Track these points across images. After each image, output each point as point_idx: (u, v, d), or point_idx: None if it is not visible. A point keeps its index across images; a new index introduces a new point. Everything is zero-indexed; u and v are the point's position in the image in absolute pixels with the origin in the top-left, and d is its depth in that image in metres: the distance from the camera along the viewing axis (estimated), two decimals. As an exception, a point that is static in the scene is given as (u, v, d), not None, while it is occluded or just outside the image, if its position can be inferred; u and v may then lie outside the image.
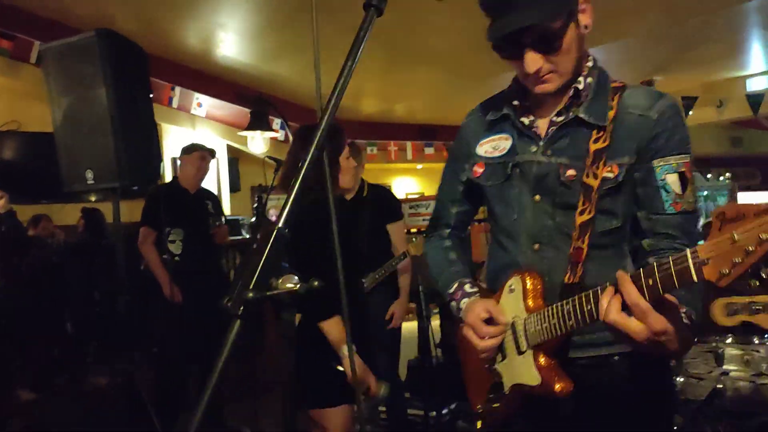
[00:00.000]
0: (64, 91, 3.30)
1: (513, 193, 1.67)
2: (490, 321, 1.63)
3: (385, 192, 4.40)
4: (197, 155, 4.94)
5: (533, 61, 1.51)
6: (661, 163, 1.53)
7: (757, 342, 3.14)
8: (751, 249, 1.07)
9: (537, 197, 1.62)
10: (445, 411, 4.53)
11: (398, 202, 4.49)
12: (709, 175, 8.37)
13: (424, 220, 6.43)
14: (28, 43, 6.39)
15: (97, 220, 6.83)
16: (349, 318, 1.60)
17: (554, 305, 1.47)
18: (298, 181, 1.01)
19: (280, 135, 8.92)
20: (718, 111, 9.11)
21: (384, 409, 4.50)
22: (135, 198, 4.94)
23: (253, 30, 7.28)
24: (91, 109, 3.21)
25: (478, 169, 1.74)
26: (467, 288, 1.77)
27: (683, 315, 1.34)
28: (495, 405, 1.70)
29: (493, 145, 1.72)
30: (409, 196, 11.99)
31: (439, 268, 1.90)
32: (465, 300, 1.74)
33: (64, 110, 3.30)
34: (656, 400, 1.66)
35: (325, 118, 1.07)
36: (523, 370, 1.57)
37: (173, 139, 8.52)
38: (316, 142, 1.04)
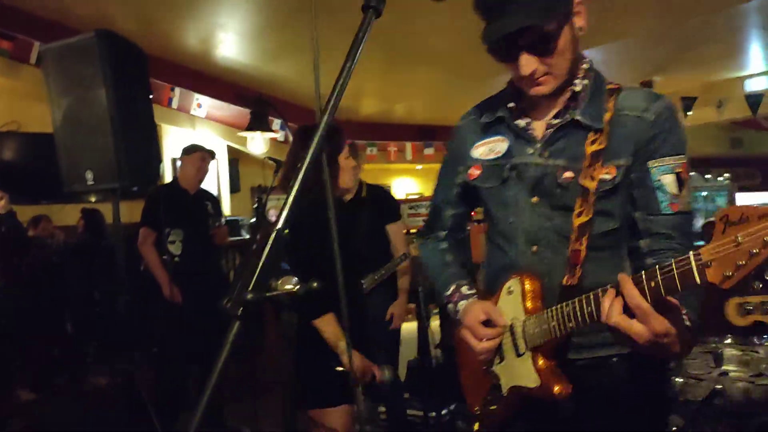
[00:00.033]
0: (63, 92, 3.30)
1: (510, 195, 1.67)
2: (488, 323, 1.63)
3: (383, 192, 4.41)
4: (197, 156, 4.94)
5: (528, 63, 1.51)
6: (658, 164, 1.53)
7: (756, 342, 3.14)
8: (755, 251, 1.08)
9: (534, 199, 1.62)
10: (444, 411, 4.53)
11: (397, 203, 4.49)
12: (708, 176, 8.39)
13: (423, 220, 6.41)
14: (27, 43, 6.38)
15: (96, 221, 6.84)
16: (349, 319, 1.60)
17: (554, 307, 1.48)
18: (297, 182, 1.01)
19: (279, 135, 8.92)
20: (718, 111, 9.10)
21: (384, 409, 4.51)
22: (135, 199, 4.94)
23: (252, 30, 7.28)
24: (91, 110, 3.21)
25: (475, 172, 1.74)
26: (464, 290, 1.78)
27: (684, 317, 1.34)
28: (492, 407, 1.70)
29: (489, 148, 1.72)
30: (409, 197, 11.98)
31: (436, 270, 1.91)
32: (463, 302, 1.75)
33: (63, 111, 3.30)
34: (654, 401, 1.67)
35: (324, 119, 1.07)
36: (521, 372, 1.57)
37: (173, 140, 8.53)
38: (315, 143, 1.04)
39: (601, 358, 1.60)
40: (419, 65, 7.80)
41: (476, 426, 1.78)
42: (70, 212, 7.17)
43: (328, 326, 2.59)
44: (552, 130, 1.61)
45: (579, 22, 1.55)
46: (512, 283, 1.62)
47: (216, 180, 9.00)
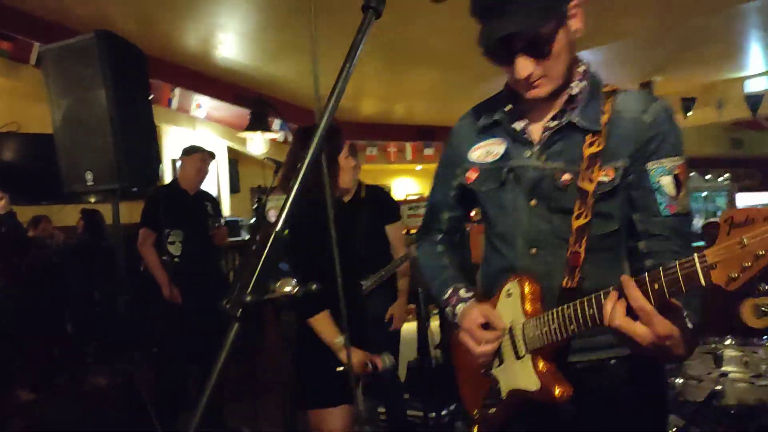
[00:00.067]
0: (63, 93, 3.30)
1: (508, 198, 1.66)
2: (486, 326, 1.62)
3: (382, 193, 4.41)
4: (197, 157, 4.94)
5: (524, 66, 1.51)
6: (656, 166, 1.53)
7: (756, 343, 3.14)
8: (761, 253, 1.08)
9: (533, 202, 1.62)
10: (444, 412, 4.53)
11: (396, 203, 4.49)
12: (708, 176, 8.39)
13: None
14: (27, 44, 6.39)
15: (96, 222, 6.84)
16: (348, 319, 1.60)
17: (554, 310, 1.47)
18: (297, 183, 1.01)
19: (279, 136, 8.93)
20: (718, 112, 9.11)
21: (383, 410, 4.51)
22: (134, 199, 4.95)
23: (252, 31, 7.28)
24: (91, 111, 3.21)
25: (472, 175, 1.74)
26: (462, 293, 1.77)
27: (685, 318, 1.34)
28: (491, 410, 1.69)
29: (486, 150, 1.72)
30: (409, 197, 11.98)
31: (433, 273, 1.90)
32: (460, 305, 1.74)
33: (63, 111, 3.30)
34: (653, 402, 1.67)
35: (324, 120, 1.07)
36: (521, 375, 1.57)
37: (173, 140, 8.53)
38: (314, 143, 1.05)
39: (599, 360, 1.60)
40: (419, 66, 7.80)
41: (475, 429, 1.77)
42: (69, 213, 7.18)
43: (322, 324, 2.59)
44: (549, 132, 1.61)
45: (575, 24, 1.55)
46: (511, 286, 1.62)
47: (216, 180, 9.01)
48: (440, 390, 4.45)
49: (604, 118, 1.56)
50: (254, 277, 0.93)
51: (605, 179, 1.54)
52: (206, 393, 0.94)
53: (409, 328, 4.71)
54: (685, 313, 1.33)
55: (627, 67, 8.13)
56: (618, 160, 1.54)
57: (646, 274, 1.25)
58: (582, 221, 1.54)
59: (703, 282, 1.15)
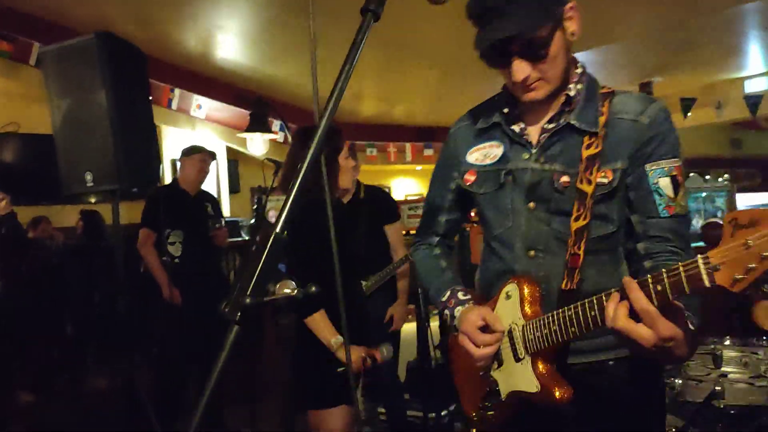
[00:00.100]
0: (63, 94, 3.30)
1: (506, 200, 1.67)
2: (485, 328, 1.62)
3: (381, 193, 4.41)
4: (198, 157, 4.94)
5: (520, 69, 1.51)
6: (654, 167, 1.54)
7: (755, 344, 3.14)
8: (766, 254, 1.08)
9: (531, 204, 1.62)
10: (444, 413, 4.53)
11: (395, 203, 4.50)
12: (707, 177, 8.39)
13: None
14: (27, 44, 6.38)
15: (95, 222, 6.84)
16: (348, 320, 1.60)
17: (554, 312, 1.47)
18: (296, 186, 1.01)
19: (279, 137, 8.94)
20: (717, 112, 9.12)
21: (383, 410, 4.51)
22: (135, 199, 4.95)
23: (252, 32, 7.28)
24: (91, 112, 3.21)
25: (470, 177, 1.74)
26: (460, 296, 1.77)
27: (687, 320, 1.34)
28: (490, 413, 1.69)
29: (483, 153, 1.72)
30: (409, 198, 11.98)
31: (430, 276, 1.90)
32: (459, 308, 1.74)
33: (63, 113, 3.30)
34: (651, 403, 1.68)
35: (323, 122, 1.07)
36: (521, 377, 1.57)
37: (173, 141, 8.54)
38: (313, 146, 1.05)
39: (598, 361, 1.61)
40: (418, 66, 7.81)
41: (473, 431, 1.77)
42: (69, 213, 7.18)
43: (319, 324, 2.60)
44: (547, 134, 1.61)
45: (571, 27, 1.56)
46: (510, 288, 1.62)
47: (216, 181, 9.01)
48: (440, 390, 4.45)
49: (602, 120, 1.57)
50: (253, 280, 0.92)
51: (604, 181, 1.54)
52: (205, 395, 0.93)
53: (409, 328, 4.71)
54: (686, 315, 1.33)
55: (627, 67, 8.14)
56: (616, 162, 1.55)
57: (649, 275, 1.24)
58: (581, 223, 1.54)
59: (707, 283, 1.15)
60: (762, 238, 1.08)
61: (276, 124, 8.72)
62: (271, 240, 0.97)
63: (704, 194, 8.43)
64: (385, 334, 4.12)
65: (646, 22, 6.42)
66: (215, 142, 8.99)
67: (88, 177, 3.26)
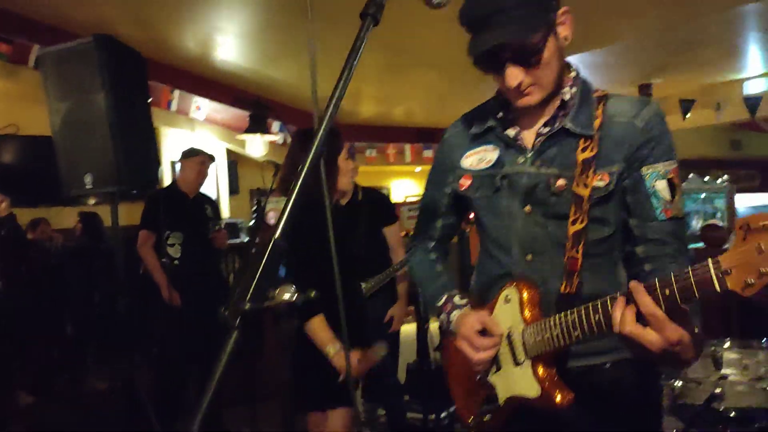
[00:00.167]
0: (62, 96, 3.31)
1: (503, 204, 1.67)
2: (483, 332, 1.62)
3: (379, 195, 4.41)
4: (197, 160, 4.95)
5: (514, 75, 1.51)
6: (650, 170, 1.54)
7: (755, 346, 3.14)
8: None
9: (527, 208, 1.62)
10: (444, 414, 4.53)
11: (393, 205, 4.51)
12: (707, 178, 8.38)
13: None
14: (26, 46, 6.38)
15: (94, 224, 6.85)
16: (347, 321, 1.60)
17: (556, 316, 1.47)
18: (296, 190, 1.01)
19: (278, 138, 8.94)
20: (716, 113, 9.12)
21: (383, 412, 4.51)
22: (134, 201, 4.95)
23: (251, 33, 7.28)
24: (90, 114, 3.22)
25: (465, 182, 1.74)
26: (457, 300, 1.77)
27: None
28: (487, 417, 1.68)
29: (478, 157, 1.72)
30: (408, 199, 11.98)
31: (427, 280, 1.90)
32: (455, 312, 1.74)
33: (62, 115, 3.31)
34: (648, 405, 1.68)
35: (322, 128, 1.07)
36: (520, 381, 1.56)
37: (172, 143, 8.53)
38: (313, 151, 1.04)
39: (596, 365, 1.61)
40: (418, 68, 7.80)
41: None
42: (68, 215, 7.18)
43: (316, 330, 2.60)
44: (542, 138, 1.61)
45: (564, 32, 1.56)
46: (509, 292, 1.61)
47: (215, 182, 9.01)
48: (440, 392, 4.45)
49: (597, 123, 1.57)
50: (252, 285, 0.92)
51: (600, 184, 1.54)
52: (205, 400, 0.93)
53: (409, 330, 4.71)
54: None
55: (626, 69, 8.14)
56: (612, 165, 1.55)
57: (657, 279, 1.24)
58: (578, 226, 1.54)
59: (718, 288, 1.14)
60: None
61: (275, 126, 8.73)
62: (270, 246, 0.96)
63: (703, 195, 8.43)
64: (384, 336, 4.12)
65: (646, 24, 6.42)
66: (214, 143, 8.99)
67: (88, 179, 3.27)
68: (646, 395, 1.68)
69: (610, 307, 1.33)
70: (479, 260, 1.83)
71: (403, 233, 4.65)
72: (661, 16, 6.13)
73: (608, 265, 1.62)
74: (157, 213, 4.69)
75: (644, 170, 1.54)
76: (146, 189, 4.11)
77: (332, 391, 2.63)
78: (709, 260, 1.16)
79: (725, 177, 8.52)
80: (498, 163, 1.68)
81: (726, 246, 4.88)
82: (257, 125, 7.32)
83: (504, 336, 1.61)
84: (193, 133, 8.67)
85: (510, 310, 1.60)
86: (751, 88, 8.80)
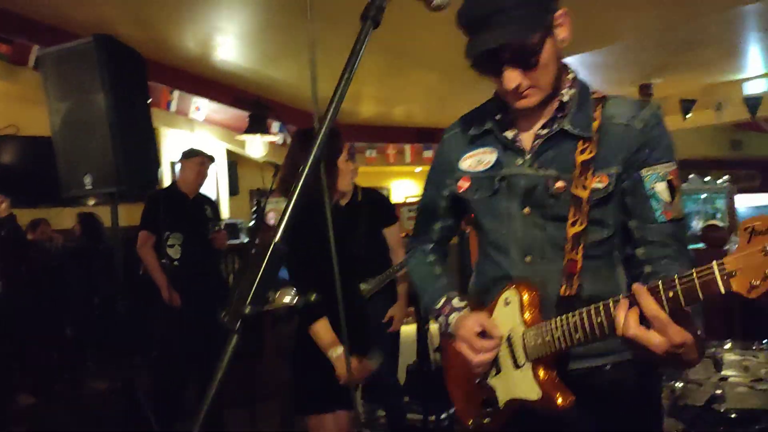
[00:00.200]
0: (62, 97, 3.31)
1: (501, 206, 1.66)
2: (483, 335, 1.61)
3: (379, 196, 4.41)
4: (197, 160, 4.95)
5: (511, 77, 1.51)
6: (650, 172, 1.53)
7: (755, 348, 3.14)
8: None
9: (526, 210, 1.62)
10: (444, 415, 4.53)
11: (392, 206, 4.50)
12: (707, 178, 8.38)
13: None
14: (26, 47, 6.38)
15: (93, 225, 6.84)
16: (347, 322, 1.59)
17: (557, 318, 1.46)
18: (296, 194, 1.01)
19: (278, 138, 8.93)
20: (717, 114, 9.11)
21: (383, 413, 4.50)
22: (134, 202, 4.95)
23: (251, 34, 7.28)
24: (89, 115, 3.21)
25: (464, 184, 1.74)
26: (455, 302, 1.76)
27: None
28: (487, 420, 1.68)
29: (477, 159, 1.71)
30: (408, 200, 11.98)
31: (425, 282, 1.89)
32: (454, 314, 1.73)
33: (62, 115, 3.30)
34: (648, 407, 1.68)
35: (322, 132, 1.06)
36: (521, 384, 1.56)
37: (172, 143, 8.53)
38: (313, 154, 1.04)
39: (596, 367, 1.60)
40: (418, 68, 7.80)
41: None
42: (68, 216, 7.18)
43: (320, 333, 2.59)
44: (541, 140, 1.61)
45: (562, 34, 1.55)
46: (509, 294, 1.61)
47: (215, 183, 9.00)
48: (440, 393, 4.44)
49: (595, 125, 1.57)
50: (253, 289, 0.92)
51: (599, 186, 1.54)
52: (206, 404, 0.93)
53: (409, 331, 4.71)
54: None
55: (626, 69, 8.13)
56: (611, 167, 1.55)
57: (660, 282, 1.24)
58: (578, 228, 1.54)
59: (722, 290, 1.14)
60: None
61: (275, 126, 8.72)
62: (270, 249, 0.96)
63: (704, 196, 8.42)
64: (384, 337, 4.12)
65: (646, 24, 6.42)
66: (214, 144, 8.99)
67: (87, 179, 3.26)
68: (647, 397, 1.68)
69: (612, 310, 1.33)
70: (478, 262, 1.83)
71: (403, 234, 4.65)
72: (661, 16, 6.13)
73: (608, 267, 1.62)
74: (157, 214, 4.69)
75: (643, 172, 1.54)
76: (146, 189, 4.11)
77: (331, 393, 2.62)
78: (714, 262, 1.15)
79: (726, 177, 8.52)
80: (496, 165, 1.67)
81: (726, 247, 4.88)
82: (257, 126, 7.32)
83: (504, 338, 1.60)
84: (193, 134, 8.67)
85: (510, 313, 1.60)
86: (752, 89, 8.80)
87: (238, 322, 0.91)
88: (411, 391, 4.85)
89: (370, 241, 4.06)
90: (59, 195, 3.39)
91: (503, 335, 1.60)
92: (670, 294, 1.22)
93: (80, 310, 6.56)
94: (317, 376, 2.66)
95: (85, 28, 5.34)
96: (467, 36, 1.53)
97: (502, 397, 1.63)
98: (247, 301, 0.91)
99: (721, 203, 8.39)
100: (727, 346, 3.15)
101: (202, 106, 8.47)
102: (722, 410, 2.92)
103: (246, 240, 7.87)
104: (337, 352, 2.56)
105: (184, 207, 4.86)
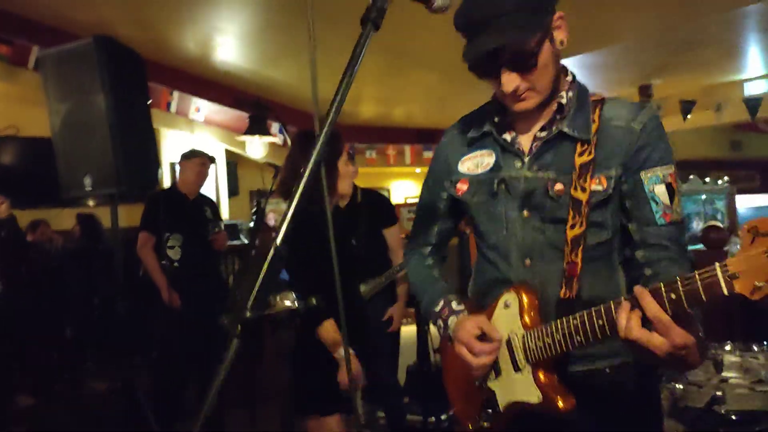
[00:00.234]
0: (62, 98, 3.31)
1: (500, 209, 1.66)
2: (482, 337, 1.61)
3: (378, 197, 4.40)
4: (197, 161, 4.95)
5: (510, 80, 1.51)
6: (649, 175, 1.53)
7: (755, 349, 3.14)
8: None
9: (525, 213, 1.62)
10: (444, 416, 4.53)
11: (392, 206, 4.49)
12: (707, 179, 8.38)
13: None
14: (26, 48, 6.38)
15: (92, 226, 6.84)
16: (347, 323, 1.59)
17: (557, 321, 1.46)
18: (297, 199, 1.00)
19: (278, 139, 8.92)
20: (716, 114, 9.11)
21: (383, 414, 4.50)
22: (133, 203, 4.95)
23: (251, 34, 7.28)
24: (89, 115, 3.21)
25: (462, 186, 1.74)
26: (454, 305, 1.76)
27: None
28: (486, 423, 1.67)
29: (475, 162, 1.71)
30: (408, 200, 11.98)
31: (423, 285, 1.89)
32: (453, 317, 1.72)
33: (62, 116, 3.30)
34: (648, 409, 1.68)
35: (323, 134, 1.06)
36: (521, 387, 1.55)
37: (171, 144, 8.53)
38: (314, 159, 1.04)
39: (595, 369, 1.60)
40: (418, 69, 7.80)
41: None
42: (68, 217, 7.17)
43: (329, 334, 2.59)
44: (540, 142, 1.61)
45: (560, 36, 1.55)
46: (509, 297, 1.60)
47: (214, 184, 9.00)
48: (440, 394, 4.44)
49: (594, 127, 1.57)
50: (253, 294, 0.92)
51: (599, 188, 1.54)
52: (206, 407, 0.93)
53: (409, 332, 4.71)
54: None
55: (626, 69, 8.13)
56: (610, 169, 1.55)
57: (662, 284, 1.24)
58: (577, 231, 1.54)
59: (725, 292, 1.14)
60: None
61: (275, 127, 8.71)
62: (271, 254, 0.96)
63: (704, 196, 8.42)
64: (384, 338, 4.11)
65: (646, 25, 6.42)
66: (214, 144, 8.99)
67: (87, 180, 3.27)
68: (647, 397, 1.67)
69: (614, 312, 1.33)
70: (476, 265, 1.82)
71: (403, 234, 4.65)
72: (661, 16, 6.13)
73: (607, 270, 1.61)
74: (157, 215, 4.69)
75: (643, 175, 1.54)
76: (145, 190, 4.11)
77: (331, 395, 2.62)
78: (717, 264, 1.15)
79: (726, 178, 8.52)
80: (495, 168, 1.67)
81: (726, 248, 4.88)
82: (257, 126, 7.30)
83: (504, 341, 1.60)
84: (193, 135, 8.67)
85: (509, 316, 1.59)
86: (752, 90, 8.80)
87: (239, 327, 0.91)
88: (411, 391, 4.84)
89: (370, 242, 4.05)
90: (59, 196, 3.39)
91: (503, 338, 1.60)
92: (673, 296, 1.22)
93: (80, 310, 6.56)
94: (317, 377, 2.66)
95: (85, 29, 5.34)
96: (465, 38, 1.52)
97: (502, 401, 1.62)
98: (248, 306, 0.91)
99: (721, 204, 8.39)
100: (728, 347, 3.15)
101: (202, 107, 8.47)
102: (723, 412, 2.92)
103: (246, 241, 7.86)
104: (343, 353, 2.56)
105: (184, 208, 4.86)
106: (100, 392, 5.64)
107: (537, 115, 1.62)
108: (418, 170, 12.42)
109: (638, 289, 1.27)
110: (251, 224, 7.25)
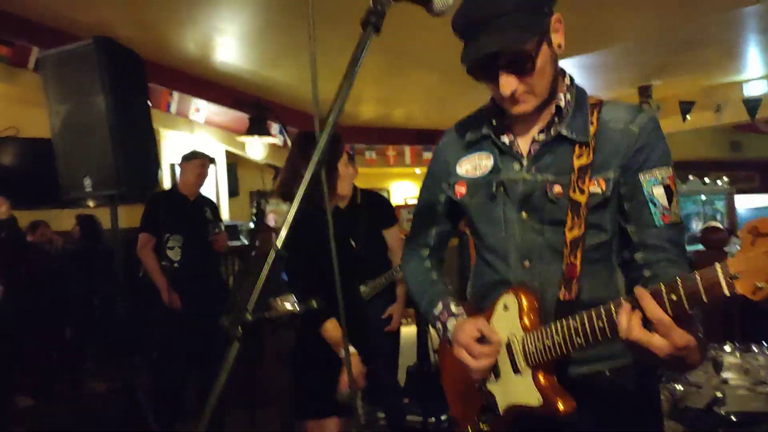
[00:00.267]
0: (62, 99, 3.31)
1: (499, 211, 1.66)
2: (482, 340, 1.61)
3: (378, 198, 4.40)
4: (197, 162, 4.95)
5: (507, 83, 1.51)
6: (648, 177, 1.54)
7: (755, 350, 3.14)
8: None
9: (524, 215, 1.62)
10: (444, 417, 4.53)
11: (392, 207, 4.50)
12: (707, 179, 8.40)
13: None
14: (26, 49, 6.38)
15: (92, 227, 6.84)
16: (347, 324, 1.59)
17: (556, 323, 1.46)
18: (297, 203, 1.00)
19: (278, 140, 8.91)
20: (716, 115, 9.11)
21: (383, 415, 4.50)
22: (133, 203, 4.95)
23: (251, 35, 7.27)
24: (89, 117, 3.22)
25: (460, 189, 1.73)
26: (452, 308, 1.75)
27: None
28: (486, 426, 1.67)
29: (473, 165, 1.71)
30: (408, 201, 11.98)
31: (422, 288, 1.88)
32: (451, 320, 1.72)
33: (62, 117, 3.31)
34: (648, 411, 1.68)
35: (323, 137, 1.06)
36: (521, 390, 1.55)
37: (171, 145, 8.52)
38: (314, 162, 1.04)
39: (596, 372, 1.60)
40: (418, 69, 7.79)
41: None
42: (68, 217, 7.17)
43: (332, 334, 2.58)
44: (538, 145, 1.61)
45: (557, 39, 1.55)
46: (508, 299, 1.60)
47: (214, 184, 8.99)
48: (440, 395, 4.44)
49: (592, 130, 1.57)
50: (254, 297, 0.91)
51: (597, 190, 1.54)
52: (208, 409, 0.93)
53: (409, 332, 4.71)
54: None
55: (625, 70, 8.13)
56: (609, 171, 1.55)
57: (662, 285, 1.24)
58: (576, 233, 1.54)
59: (726, 292, 1.14)
60: None
61: (275, 128, 8.71)
62: (271, 257, 0.95)
63: (703, 197, 8.44)
64: (384, 338, 4.12)
65: (646, 25, 6.42)
66: (214, 145, 8.98)
67: (87, 181, 3.27)
68: (647, 399, 1.67)
69: (614, 314, 1.32)
70: (475, 267, 1.82)
71: (403, 235, 4.65)
72: (661, 16, 6.13)
73: (606, 271, 1.61)
74: (157, 216, 4.69)
75: (641, 177, 1.54)
76: (146, 191, 4.11)
77: (331, 397, 2.62)
78: (717, 264, 1.15)
79: (725, 179, 8.53)
80: (493, 170, 1.67)
81: (726, 248, 4.88)
82: (257, 127, 7.30)
83: (503, 344, 1.60)
84: (193, 136, 8.66)
85: (509, 318, 1.59)
86: (751, 90, 8.80)
87: (239, 329, 0.91)
88: (411, 392, 4.85)
89: (370, 242, 4.06)
90: (59, 197, 3.39)
91: (502, 341, 1.59)
92: (673, 297, 1.22)
93: (80, 311, 6.56)
94: (316, 379, 2.65)
95: (85, 30, 5.35)
96: (462, 41, 1.52)
97: (502, 403, 1.61)
98: (248, 308, 0.91)
99: (720, 204, 8.41)
100: (727, 348, 3.15)
101: (202, 108, 8.46)
102: (723, 413, 2.92)
103: (246, 242, 7.86)
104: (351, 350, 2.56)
105: (184, 209, 4.86)
106: (100, 392, 5.64)
107: (535, 118, 1.62)
108: (418, 171, 12.42)
109: (639, 290, 1.27)
110: (251, 225, 7.25)
